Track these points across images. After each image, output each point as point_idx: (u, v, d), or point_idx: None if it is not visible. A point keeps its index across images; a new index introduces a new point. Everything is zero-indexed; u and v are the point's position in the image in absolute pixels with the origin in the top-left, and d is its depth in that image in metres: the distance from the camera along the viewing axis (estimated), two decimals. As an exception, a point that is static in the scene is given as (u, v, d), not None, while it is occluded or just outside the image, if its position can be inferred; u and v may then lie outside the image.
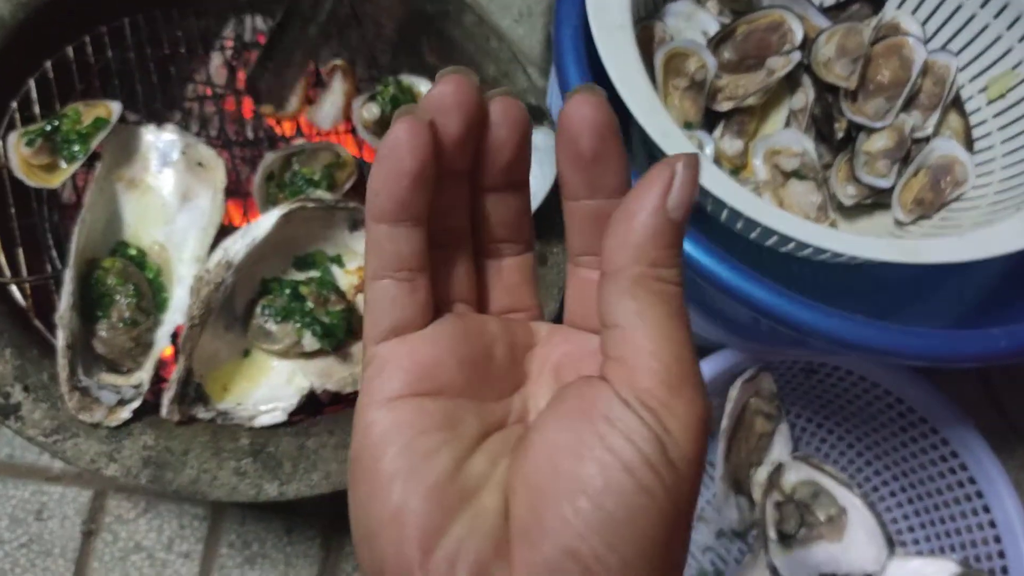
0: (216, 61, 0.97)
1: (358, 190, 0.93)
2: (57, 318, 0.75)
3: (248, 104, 0.96)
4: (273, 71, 0.90)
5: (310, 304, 0.82)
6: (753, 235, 0.91)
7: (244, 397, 0.80)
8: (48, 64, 0.87)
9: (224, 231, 0.86)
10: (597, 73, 0.95)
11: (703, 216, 0.97)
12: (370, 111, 0.93)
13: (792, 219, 0.91)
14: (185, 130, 0.87)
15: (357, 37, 1.03)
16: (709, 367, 1.06)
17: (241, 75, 0.96)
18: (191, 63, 0.94)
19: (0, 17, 0.88)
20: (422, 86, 0.97)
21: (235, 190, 0.90)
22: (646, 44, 1.04)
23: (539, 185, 0.91)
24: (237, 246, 0.78)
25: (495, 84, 1.00)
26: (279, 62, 0.91)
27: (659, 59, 1.03)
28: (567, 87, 0.92)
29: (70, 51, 0.89)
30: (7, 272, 0.80)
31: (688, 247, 0.88)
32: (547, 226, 0.94)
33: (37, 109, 0.86)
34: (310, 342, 0.81)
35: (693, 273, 0.89)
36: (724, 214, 0.90)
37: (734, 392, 1.05)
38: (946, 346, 0.85)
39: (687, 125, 1.05)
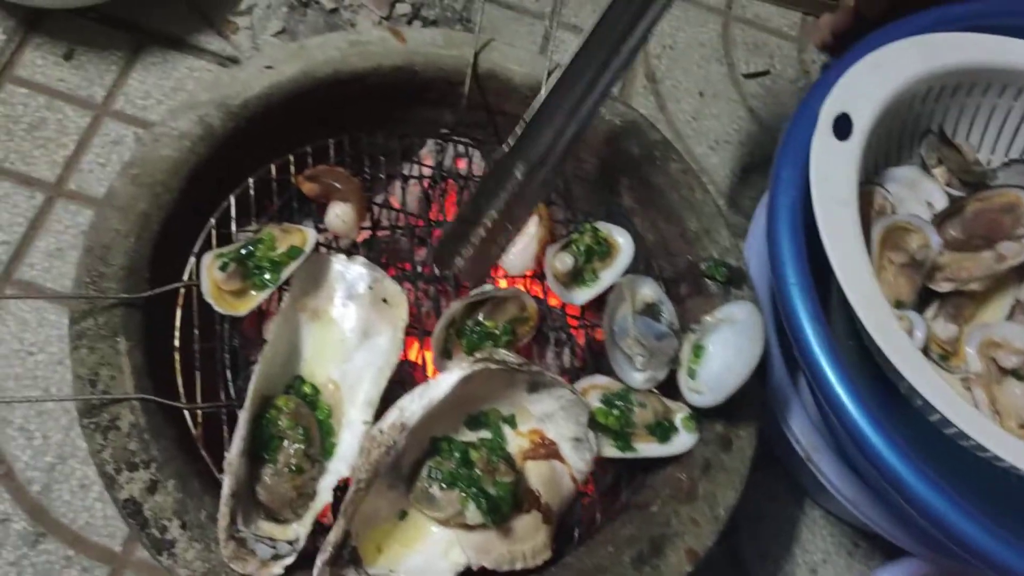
0: (414, 191, 0.95)
1: (539, 342, 0.89)
2: (226, 464, 0.72)
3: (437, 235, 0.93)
4: (475, 247, 0.84)
5: (478, 472, 0.77)
6: (950, 431, 0.82)
7: (397, 563, 0.76)
8: (251, 181, 0.87)
9: (398, 368, 0.82)
10: (810, 242, 0.88)
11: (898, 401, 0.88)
12: (563, 262, 0.88)
13: (994, 430, 0.82)
14: (373, 263, 0.84)
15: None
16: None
17: (436, 206, 0.93)
18: (388, 188, 0.92)
19: (210, 126, 0.88)
20: (619, 236, 0.92)
21: (414, 325, 0.87)
22: (864, 210, 0.96)
23: (737, 361, 0.84)
24: (413, 407, 0.74)
25: (695, 239, 0.94)
26: (483, 238, 0.85)
27: (878, 232, 0.95)
28: (781, 266, 0.85)
29: (272, 169, 0.88)
30: (183, 397, 0.78)
31: (881, 445, 0.79)
32: (739, 404, 0.86)
33: (233, 227, 0.85)
34: (473, 515, 0.76)
35: (881, 477, 0.80)
36: (918, 402, 0.82)
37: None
38: None
39: (898, 304, 0.96)
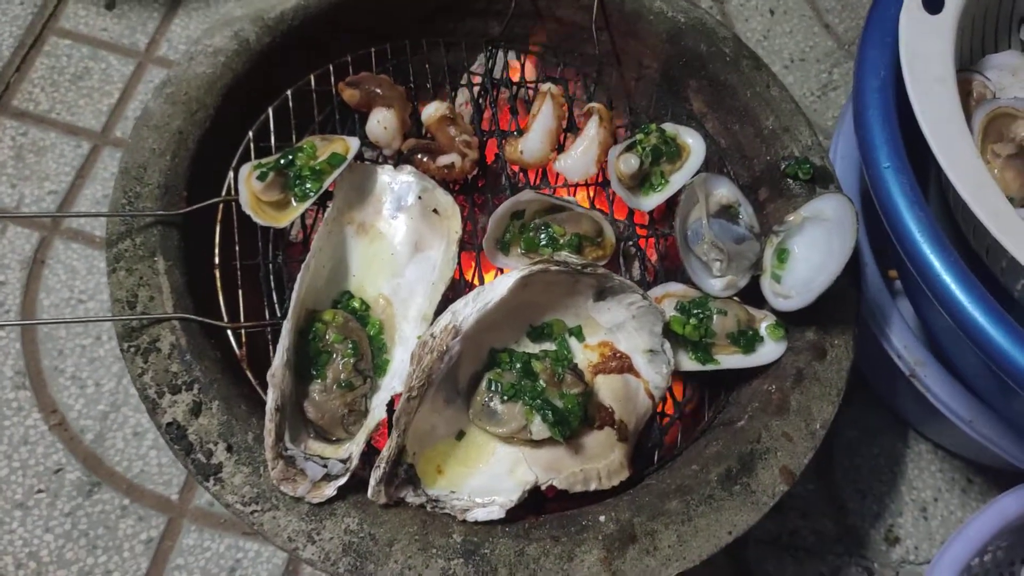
0: (462, 98, 0.88)
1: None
2: (269, 376, 0.67)
3: (491, 147, 0.86)
4: None
5: (543, 383, 0.70)
6: None
7: (459, 484, 0.69)
8: (289, 93, 0.81)
9: (453, 285, 0.76)
10: (907, 133, 0.79)
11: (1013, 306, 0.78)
12: (627, 163, 0.81)
13: None
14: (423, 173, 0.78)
15: (616, 77, 0.91)
16: (1014, 502, 0.85)
17: (487, 114, 0.87)
18: (435, 98, 0.86)
19: (246, 40, 0.84)
20: (688, 137, 0.84)
21: (469, 242, 0.80)
22: (962, 100, 0.86)
23: (827, 260, 0.76)
24: (467, 310, 0.68)
25: (773, 138, 0.85)
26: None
27: (979, 120, 0.85)
28: (872, 151, 0.76)
29: (312, 80, 0.83)
30: (225, 316, 0.73)
31: (1006, 342, 0.70)
32: (831, 311, 0.78)
33: (273, 140, 0.80)
34: (539, 429, 0.69)
35: (1008, 376, 0.70)
36: None
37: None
38: None
39: (1008, 200, 0.85)
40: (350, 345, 0.71)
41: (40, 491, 0.90)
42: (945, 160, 0.75)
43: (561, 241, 0.77)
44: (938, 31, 0.81)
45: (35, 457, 0.92)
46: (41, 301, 0.98)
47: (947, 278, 0.71)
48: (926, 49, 0.80)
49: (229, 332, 0.73)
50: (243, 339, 0.73)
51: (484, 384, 0.71)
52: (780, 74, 1.22)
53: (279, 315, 0.76)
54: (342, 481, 0.67)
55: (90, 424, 0.94)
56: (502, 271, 0.80)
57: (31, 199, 1.02)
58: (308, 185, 0.74)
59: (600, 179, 0.85)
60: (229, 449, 0.68)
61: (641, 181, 0.83)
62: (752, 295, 0.80)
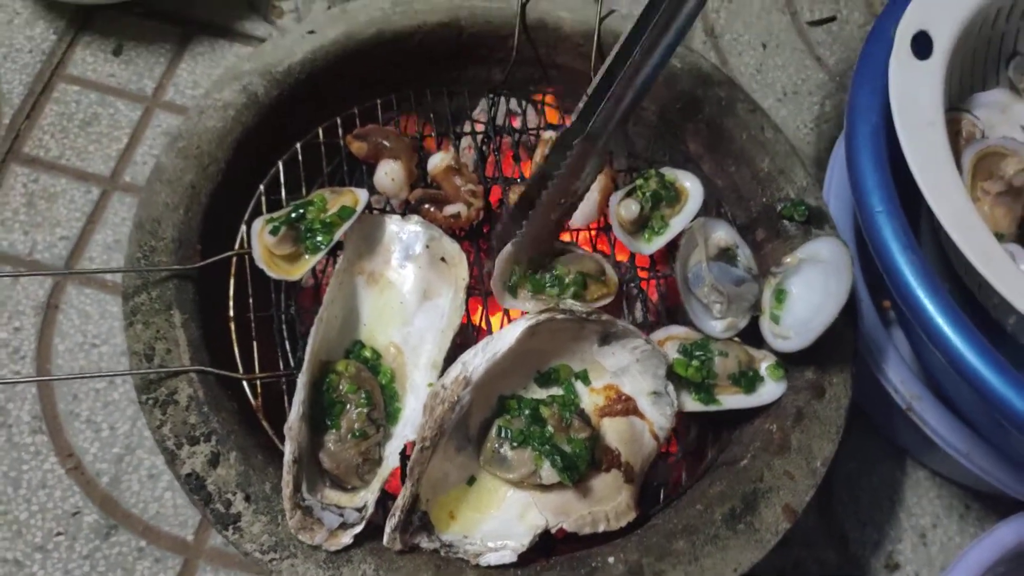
0: (465, 144, 0.91)
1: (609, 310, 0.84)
2: (286, 429, 0.69)
3: (496, 192, 0.88)
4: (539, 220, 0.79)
5: (551, 429, 0.73)
6: None
7: (471, 529, 0.71)
8: (298, 146, 0.84)
9: (461, 331, 0.78)
10: (896, 171, 0.81)
11: (1005, 340, 0.80)
12: (628, 209, 0.83)
13: None
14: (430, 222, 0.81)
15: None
16: (1011, 531, 0.87)
17: (491, 160, 0.89)
18: (440, 146, 0.88)
19: (254, 94, 0.86)
20: (687, 181, 0.87)
21: (476, 287, 0.82)
22: (951, 139, 0.89)
23: (825, 301, 0.78)
24: (477, 361, 0.70)
25: (768, 180, 0.88)
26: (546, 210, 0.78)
27: (969, 159, 0.88)
28: (865, 195, 0.79)
29: (320, 132, 0.85)
30: (240, 368, 0.75)
31: (996, 381, 0.72)
32: (829, 351, 0.80)
33: (283, 193, 0.82)
34: (548, 474, 0.71)
35: (999, 414, 0.72)
36: None
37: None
38: None
39: (997, 236, 0.88)
40: (363, 395, 0.73)
41: (59, 534, 0.92)
42: (935, 203, 0.77)
43: (567, 280, 0.79)
44: (927, 76, 0.83)
45: (53, 500, 0.94)
46: (56, 346, 1.00)
47: (940, 321, 0.73)
48: (916, 94, 0.82)
49: (245, 383, 0.75)
50: (259, 389, 0.75)
51: (494, 431, 0.73)
52: (774, 107, 1.25)
53: (292, 365, 0.78)
54: (358, 529, 0.69)
55: (105, 467, 0.96)
56: (509, 313, 0.82)
57: (43, 245, 1.05)
58: (319, 238, 0.77)
59: (602, 223, 0.88)
60: (247, 499, 0.70)
61: (642, 225, 0.85)
62: (752, 336, 0.82)
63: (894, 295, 0.77)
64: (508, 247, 0.78)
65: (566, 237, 0.87)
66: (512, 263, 0.78)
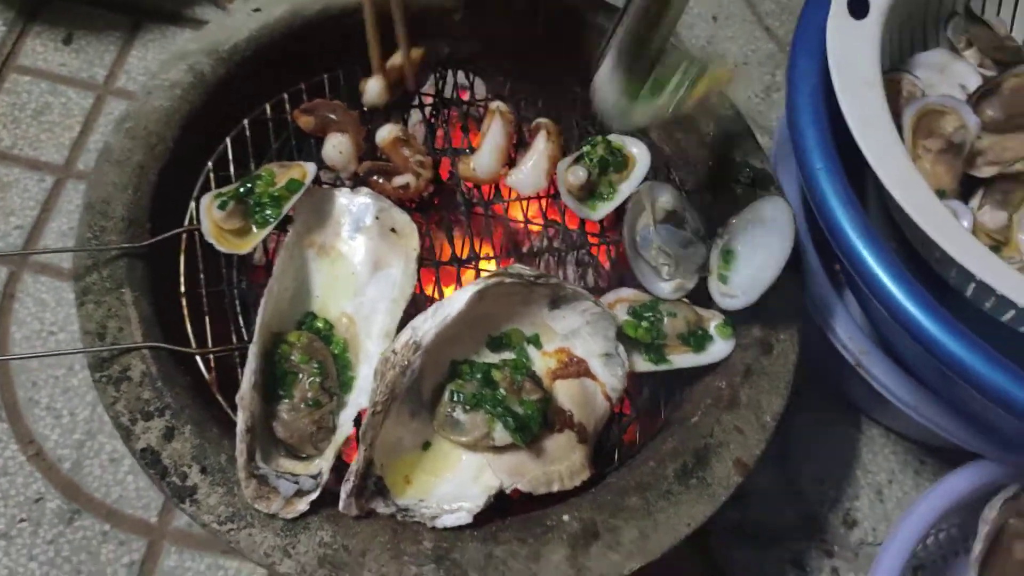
0: (414, 118, 0.91)
1: (559, 263, 0.85)
2: (238, 399, 0.69)
3: (445, 164, 0.89)
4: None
5: (503, 391, 0.73)
6: (1006, 318, 0.76)
7: (427, 492, 0.72)
8: (246, 122, 0.84)
9: (414, 301, 0.79)
10: (838, 134, 0.83)
11: (949, 295, 0.82)
12: (576, 175, 0.84)
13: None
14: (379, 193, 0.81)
15: (562, 91, 0.95)
16: (962, 480, 0.89)
17: (440, 133, 0.90)
18: (388, 120, 0.89)
19: (200, 73, 0.86)
20: (634, 147, 0.88)
21: (427, 258, 0.83)
22: (892, 99, 0.90)
23: (769, 260, 0.79)
24: (427, 325, 0.71)
25: (716, 144, 0.89)
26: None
27: (909, 117, 0.90)
28: (805, 154, 0.80)
29: (267, 109, 0.86)
30: (193, 342, 0.75)
31: (938, 332, 0.73)
32: (776, 308, 0.81)
33: (232, 169, 0.82)
34: (501, 435, 0.72)
35: (943, 365, 0.74)
36: (970, 289, 0.75)
37: (991, 512, 0.88)
38: None
39: (939, 193, 0.90)
40: (315, 364, 0.74)
41: (22, 520, 0.92)
42: (875, 161, 0.79)
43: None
44: (864, 35, 0.85)
45: (15, 487, 0.94)
46: (13, 335, 1.00)
47: (880, 272, 0.75)
48: (853, 53, 0.84)
49: (198, 358, 0.76)
50: (212, 364, 0.76)
51: (446, 395, 0.74)
52: (725, 78, 1.26)
53: (246, 339, 0.78)
54: (314, 496, 0.69)
55: (67, 453, 0.96)
56: (461, 282, 0.83)
57: (-3, 235, 1.04)
58: (268, 211, 0.77)
59: (551, 191, 0.89)
60: (203, 471, 0.71)
61: (590, 192, 0.86)
62: (700, 296, 0.83)
63: (836, 248, 0.79)
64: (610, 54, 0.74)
65: (517, 206, 0.88)
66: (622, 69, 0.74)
